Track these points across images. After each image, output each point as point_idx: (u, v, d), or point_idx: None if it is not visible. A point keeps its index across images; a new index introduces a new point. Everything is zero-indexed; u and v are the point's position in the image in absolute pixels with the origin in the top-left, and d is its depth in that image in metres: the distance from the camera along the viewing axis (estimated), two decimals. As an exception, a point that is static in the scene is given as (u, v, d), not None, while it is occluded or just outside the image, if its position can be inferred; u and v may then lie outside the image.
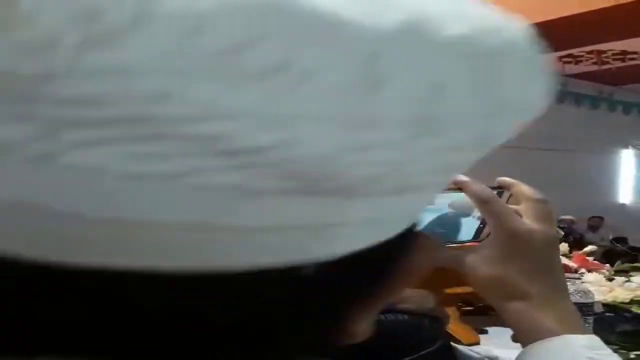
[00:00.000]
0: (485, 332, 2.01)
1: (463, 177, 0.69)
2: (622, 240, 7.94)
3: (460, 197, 0.70)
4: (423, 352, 1.92)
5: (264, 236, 0.30)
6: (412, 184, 0.34)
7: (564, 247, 2.47)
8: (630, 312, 1.97)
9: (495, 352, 1.87)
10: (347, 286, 0.36)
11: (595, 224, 10.16)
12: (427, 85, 0.31)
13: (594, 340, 0.64)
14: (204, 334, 0.33)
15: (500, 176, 0.75)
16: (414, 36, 0.30)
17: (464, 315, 2.15)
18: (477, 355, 1.94)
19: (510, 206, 0.72)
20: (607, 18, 7.01)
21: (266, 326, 0.35)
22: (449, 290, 2.13)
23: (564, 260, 2.27)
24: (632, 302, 2.01)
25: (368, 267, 0.37)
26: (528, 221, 0.69)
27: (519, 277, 0.67)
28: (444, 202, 0.71)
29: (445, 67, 0.31)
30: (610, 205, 10.97)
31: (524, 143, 9.69)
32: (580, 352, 0.62)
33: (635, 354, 1.58)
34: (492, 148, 0.38)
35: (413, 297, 1.94)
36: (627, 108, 11.35)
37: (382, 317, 1.93)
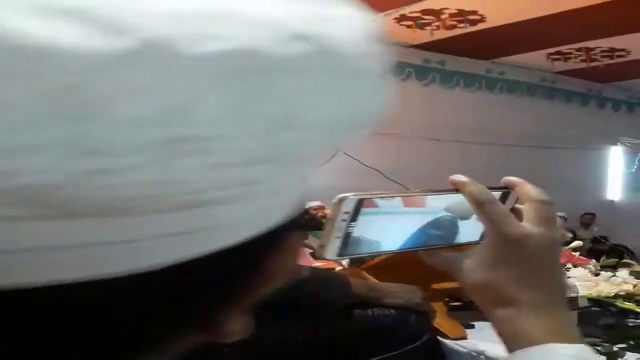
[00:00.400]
0: (472, 326, 2.03)
1: (462, 178, 0.67)
2: (603, 238, 7.99)
3: (458, 200, 0.68)
4: (410, 347, 1.94)
5: (47, 254, 0.33)
6: (212, 198, 0.35)
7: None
8: (615, 306, 1.99)
9: (482, 346, 1.89)
10: (196, 291, 0.38)
11: (587, 220, 10.21)
12: (167, 106, 0.31)
13: (582, 350, 0.61)
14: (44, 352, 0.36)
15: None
16: (148, 58, 0.30)
17: (451, 310, 2.16)
18: (464, 350, 1.95)
19: (517, 206, 0.69)
20: (596, 15, 7.05)
21: (105, 338, 0.37)
22: (436, 286, 2.15)
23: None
24: (616, 296, 2.03)
25: (218, 272, 0.38)
26: (528, 224, 0.66)
27: (509, 284, 0.65)
28: (441, 205, 0.70)
29: (192, 87, 0.31)
30: (599, 202, 11.02)
31: (514, 141, 9.72)
32: None
33: (619, 347, 1.60)
34: (315, 158, 0.40)
35: (400, 292, 1.96)
36: (616, 105, 11.41)
37: (369, 312, 1.95)
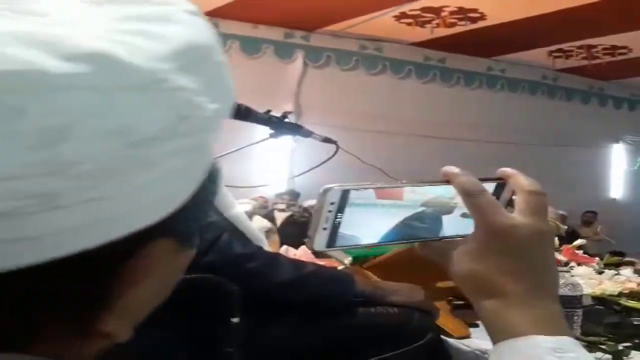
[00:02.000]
0: (476, 325, 2.02)
1: (453, 169, 0.67)
2: (619, 254, 7.93)
3: (438, 196, 0.68)
4: (413, 345, 1.93)
5: None
6: (9, 209, 0.38)
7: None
8: (619, 304, 1.98)
9: (486, 345, 1.88)
10: (52, 293, 0.43)
11: (589, 219, 10.19)
12: None
13: (564, 342, 0.61)
14: None
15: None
16: None
17: (455, 309, 2.15)
18: (467, 349, 1.95)
19: (514, 197, 0.69)
20: (597, 13, 7.04)
21: None
22: (440, 284, 2.14)
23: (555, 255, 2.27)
24: (620, 294, 2.02)
25: (68, 277, 0.43)
26: (517, 215, 0.66)
27: (496, 275, 0.64)
28: (420, 199, 0.69)
29: None
30: (601, 200, 11.01)
31: (515, 139, 9.71)
32: (541, 353, 0.60)
33: (624, 346, 1.59)
34: (137, 169, 0.42)
35: (404, 291, 1.95)
36: (618, 103, 11.38)
37: (373, 310, 1.95)
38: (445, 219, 0.70)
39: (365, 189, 0.65)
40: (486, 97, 9.85)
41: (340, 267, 2.30)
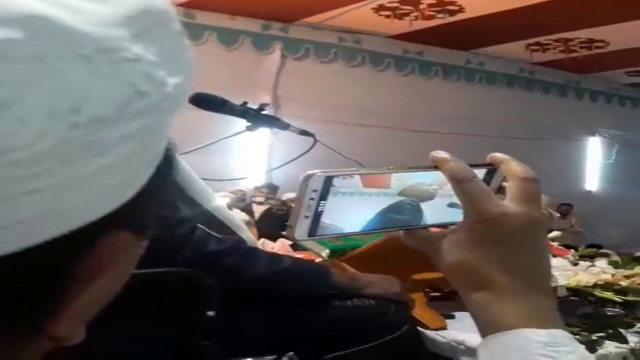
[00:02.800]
0: (452, 317, 2.03)
1: (443, 154, 0.63)
2: (596, 246, 7.99)
3: (425, 183, 0.66)
4: (389, 337, 1.94)
5: None
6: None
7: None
8: (594, 295, 2.00)
9: (462, 336, 1.89)
10: (2, 294, 0.37)
11: (564, 211, 10.29)
12: None
13: (556, 336, 0.58)
14: None
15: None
16: None
17: (431, 301, 2.16)
18: (444, 340, 1.96)
19: (504, 184, 0.66)
20: (574, 6, 7.08)
21: None
22: (416, 276, 2.15)
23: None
24: (595, 286, 2.04)
25: (26, 273, 0.37)
26: (509, 203, 0.63)
27: (486, 266, 0.61)
28: (405, 186, 0.65)
29: None
30: (577, 193, 11.10)
31: (493, 132, 9.75)
32: (532, 347, 0.57)
33: (597, 336, 1.61)
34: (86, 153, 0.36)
35: (380, 283, 1.95)
36: (595, 96, 11.49)
37: (349, 302, 1.95)
38: (433, 206, 0.68)
39: (349, 175, 0.62)
40: (464, 90, 9.89)
41: (318, 260, 2.30)
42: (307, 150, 2.34)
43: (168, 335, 1.65)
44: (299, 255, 2.51)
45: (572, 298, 1.98)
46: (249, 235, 2.01)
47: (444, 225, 0.67)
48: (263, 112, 2.28)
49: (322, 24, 8.39)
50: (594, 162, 11.77)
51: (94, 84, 0.35)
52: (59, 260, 0.38)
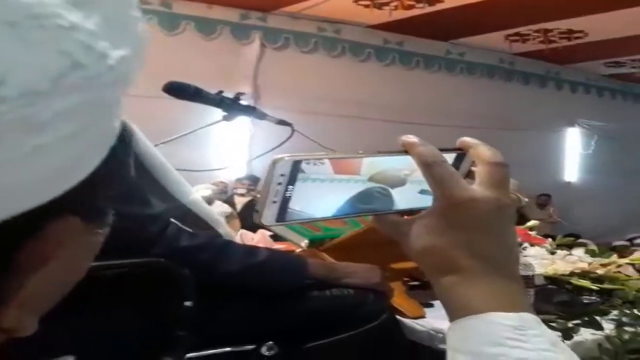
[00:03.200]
0: (431, 305, 2.03)
1: (412, 138, 0.63)
2: (574, 236, 8.06)
3: (386, 169, 0.65)
4: (368, 326, 1.94)
5: None
6: None
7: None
8: (571, 283, 2.01)
9: (440, 324, 1.89)
10: None
11: (543, 201, 10.36)
12: None
13: (524, 319, 0.57)
14: None
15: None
16: None
17: (410, 290, 2.16)
18: (422, 329, 1.96)
19: (473, 169, 0.65)
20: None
21: None
22: (395, 265, 2.15)
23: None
24: (572, 274, 2.05)
25: None
26: (478, 187, 0.62)
27: (454, 250, 0.61)
28: (374, 172, 0.64)
29: None
30: (556, 184, 11.18)
31: (473, 122, 9.77)
32: (500, 331, 0.57)
33: (573, 323, 1.62)
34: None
35: (358, 272, 1.95)
36: (574, 87, 11.55)
37: (327, 292, 1.94)
38: (404, 192, 0.67)
39: (318, 159, 0.61)
40: (445, 80, 9.91)
41: (298, 250, 2.29)
42: (285, 141, 2.33)
43: (144, 326, 1.64)
44: (279, 245, 2.50)
45: (550, 286, 2.00)
46: (226, 230, 2.00)
47: (414, 211, 0.66)
48: (239, 102, 2.26)
49: (301, 14, 8.36)
50: (573, 153, 11.85)
51: (22, 53, 0.31)
52: (2, 248, 0.36)
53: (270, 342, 1.76)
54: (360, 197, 0.65)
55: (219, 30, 8.13)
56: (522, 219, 5.01)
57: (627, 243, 8.76)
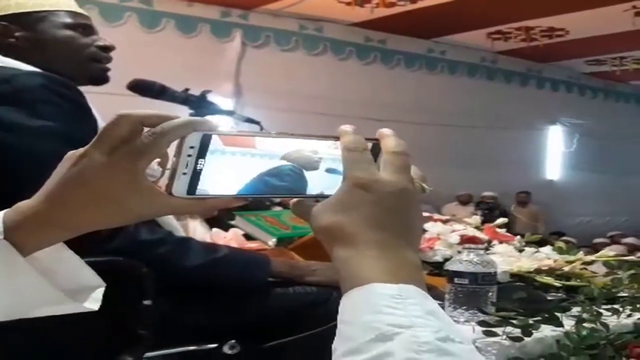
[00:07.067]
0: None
1: (347, 127, 0.70)
2: (558, 234, 8.12)
3: (299, 149, 0.68)
4: (332, 324, 1.93)
5: None
6: None
7: (475, 219, 2.51)
8: (536, 281, 2.01)
9: (406, 323, 1.89)
10: None
11: (523, 199, 10.40)
12: None
13: (405, 289, 0.61)
14: None
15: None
16: None
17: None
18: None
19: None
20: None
21: None
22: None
23: (476, 233, 2.30)
24: (538, 271, 2.05)
25: None
26: (384, 173, 0.67)
27: (352, 225, 0.65)
28: (291, 153, 0.67)
29: None
30: (538, 181, 11.23)
31: (454, 121, 9.82)
32: (378, 300, 0.59)
33: (534, 320, 1.62)
34: None
35: (323, 270, 1.94)
36: (555, 85, 11.61)
37: (290, 290, 1.94)
38: (316, 175, 0.70)
39: (229, 135, 0.63)
40: (426, 79, 9.94)
41: (268, 248, 2.28)
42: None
43: (104, 324, 1.62)
44: (251, 244, 2.49)
45: (518, 284, 1.99)
46: (180, 232, 1.99)
47: (325, 197, 0.69)
48: (206, 100, 2.24)
49: (282, 11, 8.35)
50: (554, 151, 11.90)
51: None
52: None
53: (233, 341, 1.75)
54: (274, 173, 0.67)
55: (199, 28, 8.11)
56: (503, 216, 5.02)
57: (608, 240, 8.83)
